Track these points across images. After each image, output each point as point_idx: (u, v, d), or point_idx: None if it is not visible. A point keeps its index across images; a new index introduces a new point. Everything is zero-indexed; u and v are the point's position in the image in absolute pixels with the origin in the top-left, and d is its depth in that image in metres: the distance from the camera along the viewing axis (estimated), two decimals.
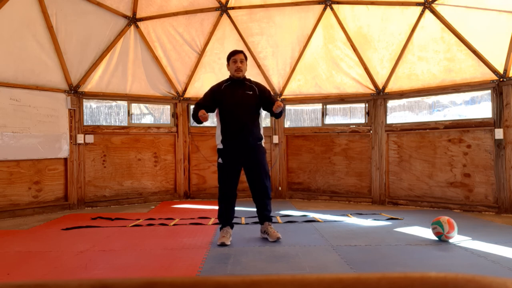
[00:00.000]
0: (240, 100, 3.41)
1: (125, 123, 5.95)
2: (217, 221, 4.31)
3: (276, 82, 6.23)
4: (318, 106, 6.20)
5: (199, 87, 6.34)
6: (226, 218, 3.50)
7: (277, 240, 3.37)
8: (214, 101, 3.49)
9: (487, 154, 4.78)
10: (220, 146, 3.47)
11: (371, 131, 5.69)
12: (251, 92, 3.45)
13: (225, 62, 5.94)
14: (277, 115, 3.49)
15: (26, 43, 4.84)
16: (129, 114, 5.96)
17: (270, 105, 3.47)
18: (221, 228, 3.50)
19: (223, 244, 3.30)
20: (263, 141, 3.52)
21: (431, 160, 5.21)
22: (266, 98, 3.50)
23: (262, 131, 3.53)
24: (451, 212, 4.84)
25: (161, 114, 6.43)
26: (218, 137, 3.49)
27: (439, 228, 3.33)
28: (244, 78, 3.52)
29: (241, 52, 3.51)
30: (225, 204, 3.49)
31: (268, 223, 3.49)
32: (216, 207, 5.27)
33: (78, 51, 5.34)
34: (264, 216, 3.50)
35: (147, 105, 6.28)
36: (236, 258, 2.95)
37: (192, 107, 6.41)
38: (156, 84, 6.11)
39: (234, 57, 3.46)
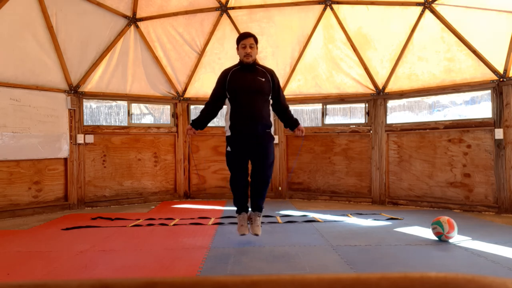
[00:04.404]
0: (252, 85, 3.29)
1: (125, 123, 5.95)
2: (217, 221, 4.33)
3: None
4: (318, 106, 6.20)
5: (199, 87, 6.34)
6: (241, 204, 3.43)
7: (255, 236, 3.36)
8: (222, 90, 3.37)
9: (487, 154, 4.78)
10: (228, 133, 3.35)
11: (371, 131, 5.69)
12: (264, 79, 3.32)
13: (225, 62, 6.05)
14: (289, 127, 3.49)
15: (26, 43, 4.84)
16: (129, 114, 5.96)
17: (277, 101, 3.44)
18: (237, 212, 3.45)
19: (243, 235, 3.33)
20: (272, 128, 3.40)
21: (431, 160, 5.21)
22: (275, 91, 3.42)
23: (272, 118, 3.41)
24: (451, 212, 4.84)
25: (161, 114, 6.43)
26: (227, 122, 3.36)
27: (439, 228, 3.33)
28: (255, 63, 3.39)
29: (251, 36, 3.31)
30: (237, 191, 3.41)
31: (258, 214, 3.41)
32: (217, 207, 5.32)
33: (78, 51, 5.34)
34: (256, 206, 3.41)
35: (147, 105, 6.29)
36: (236, 258, 2.95)
37: (192, 107, 6.42)
38: (156, 84, 6.11)
39: (243, 42, 3.28)
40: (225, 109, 3.49)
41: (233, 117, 3.31)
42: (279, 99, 3.46)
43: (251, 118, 3.27)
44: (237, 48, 3.37)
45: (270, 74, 3.41)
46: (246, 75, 3.32)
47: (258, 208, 3.44)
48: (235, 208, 3.53)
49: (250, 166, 3.44)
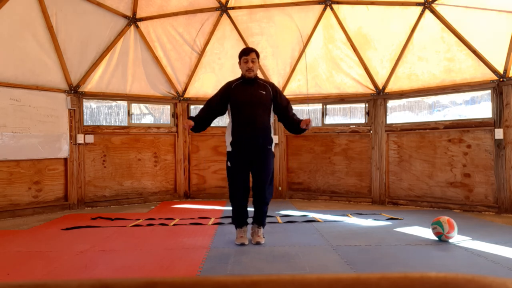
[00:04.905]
0: (253, 98, 3.33)
1: (125, 123, 5.95)
2: (217, 221, 4.33)
3: (276, 82, 6.22)
4: (318, 106, 6.20)
5: (199, 87, 6.34)
6: (240, 220, 3.46)
7: (256, 244, 3.37)
8: (223, 99, 3.43)
9: (487, 154, 4.78)
10: (229, 148, 3.39)
11: (371, 131, 5.69)
12: (265, 92, 3.38)
13: (225, 62, 6.06)
14: (297, 130, 3.44)
15: (26, 43, 4.84)
16: (129, 114, 5.96)
17: (283, 110, 3.44)
18: (236, 227, 3.49)
19: (242, 244, 3.33)
20: (273, 144, 3.43)
21: (431, 160, 5.21)
22: (282, 105, 3.44)
23: (273, 133, 3.44)
24: (451, 212, 4.84)
25: (161, 114, 6.43)
26: (228, 138, 3.41)
27: (439, 228, 3.33)
28: (257, 77, 3.44)
29: (253, 51, 3.40)
30: (237, 207, 3.44)
31: (257, 226, 3.47)
32: (217, 207, 5.32)
33: (78, 51, 5.34)
34: (258, 221, 3.47)
35: (147, 105, 6.28)
36: (236, 258, 2.95)
37: (192, 107, 6.42)
38: (156, 84, 6.11)
39: (246, 57, 3.36)
40: (226, 119, 3.51)
41: (235, 132, 3.35)
42: (286, 109, 3.45)
43: (253, 131, 3.30)
44: (239, 63, 3.44)
45: (271, 86, 3.46)
46: (247, 88, 3.38)
47: (260, 222, 3.47)
48: (233, 223, 3.55)
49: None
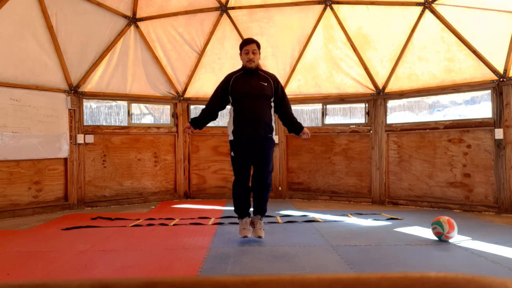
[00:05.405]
0: (254, 89, 3.35)
1: (125, 123, 5.95)
2: (217, 221, 4.33)
3: None
4: (318, 106, 6.20)
5: (199, 87, 6.34)
6: (243, 210, 3.49)
7: (257, 238, 3.42)
8: (223, 92, 3.45)
9: (487, 154, 4.78)
10: (231, 137, 3.42)
11: (371, 131, 5.69)
12: (266, 84, 3.39)
13: (225, 62, 6.06)
14: (293, 131, 3.52)
15: (26, 43, 4.84)
16: (129, 114, 5.96)
17: (278, 102, 3.48)
18: (239, 218, 3.52)
19: (245, 237, 3.37)
20: (274, 132, 3.46)
21: (431, 160, 5.21)
22: (279, 97, 3.47)
23: (274, 122, 3.47)
24: (451, 212, 4.84)
25: (161, 114, 6.43)
26: (230, 127, 3.44)
27: (439, 228, 3.33)
28: (258, 68, 3.45)
29: (253, 42, 3.41)
30: (240, 195, 3.47)
31: (260, 217, 3.50)
32: (217, 207, 5.32)
33: (78, 51, 5.34)
34: (259, 209, 3.49)
35: (147, 105, 6.28)
36: (236, 258, 2.95)
37: (192, 107, 6.42)
38: (156, 84, 6.11)
39: (246, 48, 3.37)
40: (227, 112, 3.55)
41: (236, 122, 3.38)
42: (282, 103, 3.51)
43: (253, 122, 3.33)
44: (240, 54, 3.45)
45: (272, 78, 3.47)
46: (248, 80, 3.39)
47: (261, 211, 3.50)
48: (236, 213, 3.59)
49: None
